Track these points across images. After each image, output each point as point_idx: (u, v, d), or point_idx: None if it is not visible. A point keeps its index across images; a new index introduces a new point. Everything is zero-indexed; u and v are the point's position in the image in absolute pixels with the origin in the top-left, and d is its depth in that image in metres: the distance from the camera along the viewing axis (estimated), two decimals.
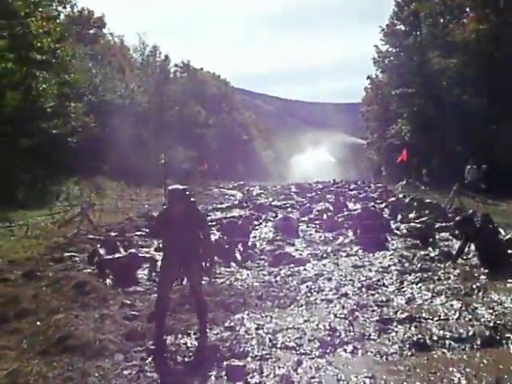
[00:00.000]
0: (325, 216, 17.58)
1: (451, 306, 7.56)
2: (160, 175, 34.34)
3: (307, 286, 9.09)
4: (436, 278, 9.44)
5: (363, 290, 8.83)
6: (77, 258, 11.96)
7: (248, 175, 69.31)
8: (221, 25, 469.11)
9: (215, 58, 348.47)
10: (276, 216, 19.69)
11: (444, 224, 14.72)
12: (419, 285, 8.96)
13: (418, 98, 39.76)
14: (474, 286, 8.58)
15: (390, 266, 10.59)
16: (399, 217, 17.97)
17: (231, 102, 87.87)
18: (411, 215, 18.09)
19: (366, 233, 13.22)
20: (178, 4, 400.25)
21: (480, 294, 8.26)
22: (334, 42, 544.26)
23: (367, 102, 57.47)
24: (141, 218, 20.37)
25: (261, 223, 18.47)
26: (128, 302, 8.23)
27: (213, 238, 13.20)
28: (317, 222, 17.41)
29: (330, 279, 9.63)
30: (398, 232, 14.91)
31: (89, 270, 10.52)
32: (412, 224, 15.29)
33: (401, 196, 25.71)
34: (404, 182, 36.53)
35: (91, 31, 57.68)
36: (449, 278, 9.40)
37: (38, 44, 26.62)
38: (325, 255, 12.16)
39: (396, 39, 44.43)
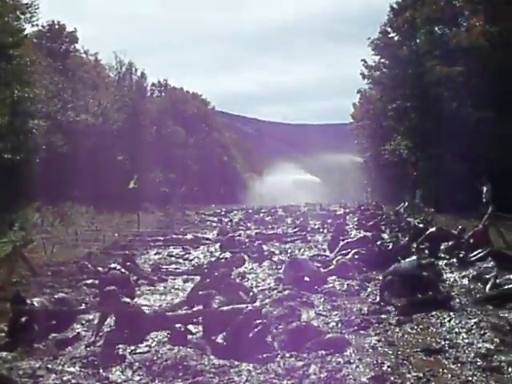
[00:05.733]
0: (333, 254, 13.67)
1: None
2: (136, 200, 30.90)
3: None
4: None
5: None
6: None
7: (229, 198, 65.88)
8: (197, 47, 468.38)
9: (191, 80, 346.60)
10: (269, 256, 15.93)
11: None
12: None
13: (416, 113, 36.61)
14: None
15: None
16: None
17: (211, 122, 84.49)
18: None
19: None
20: (154, 26, 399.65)
21: None
22: (314, 63, 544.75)
23: (357, 119, 54.22)
24: (104, 253, 16.75)
25: (253, 268, 14.27)
26: None
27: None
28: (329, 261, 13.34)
29: None
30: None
31: None
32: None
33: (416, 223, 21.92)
34: (406, 203, 33.10)
35: (63, 46, 54.18)
36: None
37: None
38: (363, 323, 8.08)
39: (389, 50, 41.09)
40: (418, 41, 39.04)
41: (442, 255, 13.90)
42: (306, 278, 10.96)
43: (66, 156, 33.03)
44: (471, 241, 14.98)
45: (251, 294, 9.82)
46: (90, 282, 11.68)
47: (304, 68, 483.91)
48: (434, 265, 11.93)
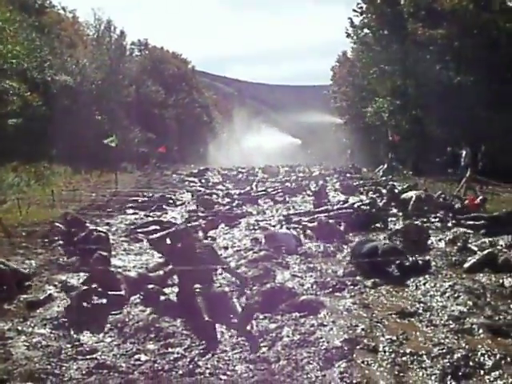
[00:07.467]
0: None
1: None
2: (114, 159, 30.57)
3: None
4: None
5: None
6: None
7: (209, 158, 65.52)
8: (177, 5, 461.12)
9: (172, 39, 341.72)
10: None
11: None
12: None
13: (397, 76, 36.33)
14: None
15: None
16: None
17: (191, 82, 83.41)
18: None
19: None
20: None
21: None
22: (296, 24, 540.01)
23: (338, 82, 53.86)
24: (81, 214, 16.49)
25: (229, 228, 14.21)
26: None
27: None
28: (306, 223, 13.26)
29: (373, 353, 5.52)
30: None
31: None
32: None
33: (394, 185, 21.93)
34: (385, 165, 33.18)
35: (38, 1, 52.52)
36: None
37: None
38: (338, 285, 8.08)
39: (375, 8, 40.14)
40: (401, 2, 38.45)
41: (420, 219, 13.89)
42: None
43: (44, 115, 32.42)
44: (460, 205, 15.08)
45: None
46: (63, 242, 11.50)
47: (286, 29, 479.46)
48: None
